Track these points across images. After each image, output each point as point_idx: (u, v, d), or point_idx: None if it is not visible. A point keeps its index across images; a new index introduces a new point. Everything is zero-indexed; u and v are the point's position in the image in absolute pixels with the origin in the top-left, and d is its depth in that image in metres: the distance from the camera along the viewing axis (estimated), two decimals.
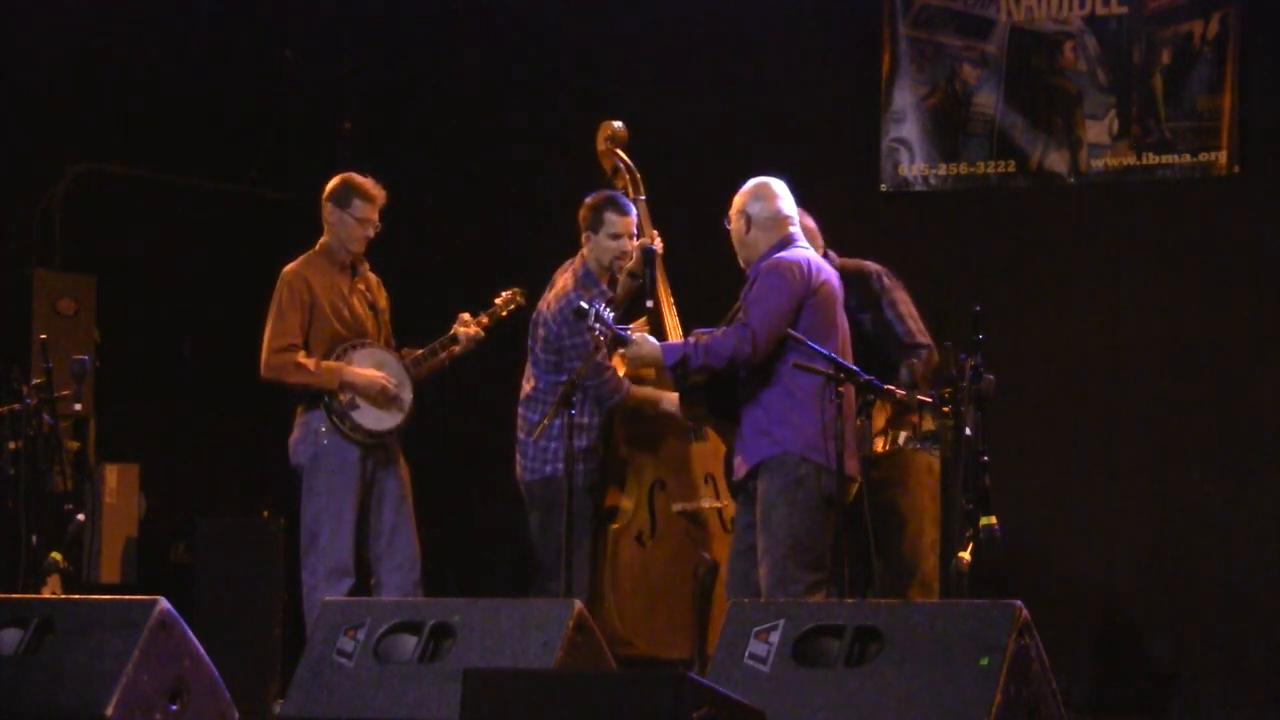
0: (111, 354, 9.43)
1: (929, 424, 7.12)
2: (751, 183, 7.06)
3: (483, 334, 7.86)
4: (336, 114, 10.16)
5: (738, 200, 7.03)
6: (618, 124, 8.01)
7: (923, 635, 5.51)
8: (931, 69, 9.12)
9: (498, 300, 7.95)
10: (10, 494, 7.27)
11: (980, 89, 9.03)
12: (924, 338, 7.42)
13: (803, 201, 7.38)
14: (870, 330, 7.39)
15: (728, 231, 7.05)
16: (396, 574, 7.67)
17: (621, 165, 7.94)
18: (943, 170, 9.11)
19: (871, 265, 7.45)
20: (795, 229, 6.98)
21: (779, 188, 7.02)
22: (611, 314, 6.98)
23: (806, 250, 6.95)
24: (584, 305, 6.95)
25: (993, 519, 6.28)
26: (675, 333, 7.70)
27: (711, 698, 5.05)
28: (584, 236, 7.66)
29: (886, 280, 7.45)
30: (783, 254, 6.87)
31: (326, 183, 7.81)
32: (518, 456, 7.67)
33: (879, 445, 7.28)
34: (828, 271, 6.94)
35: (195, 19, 10.03)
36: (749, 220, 6.96)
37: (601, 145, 8.02)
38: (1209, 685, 8.55)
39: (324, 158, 9.23)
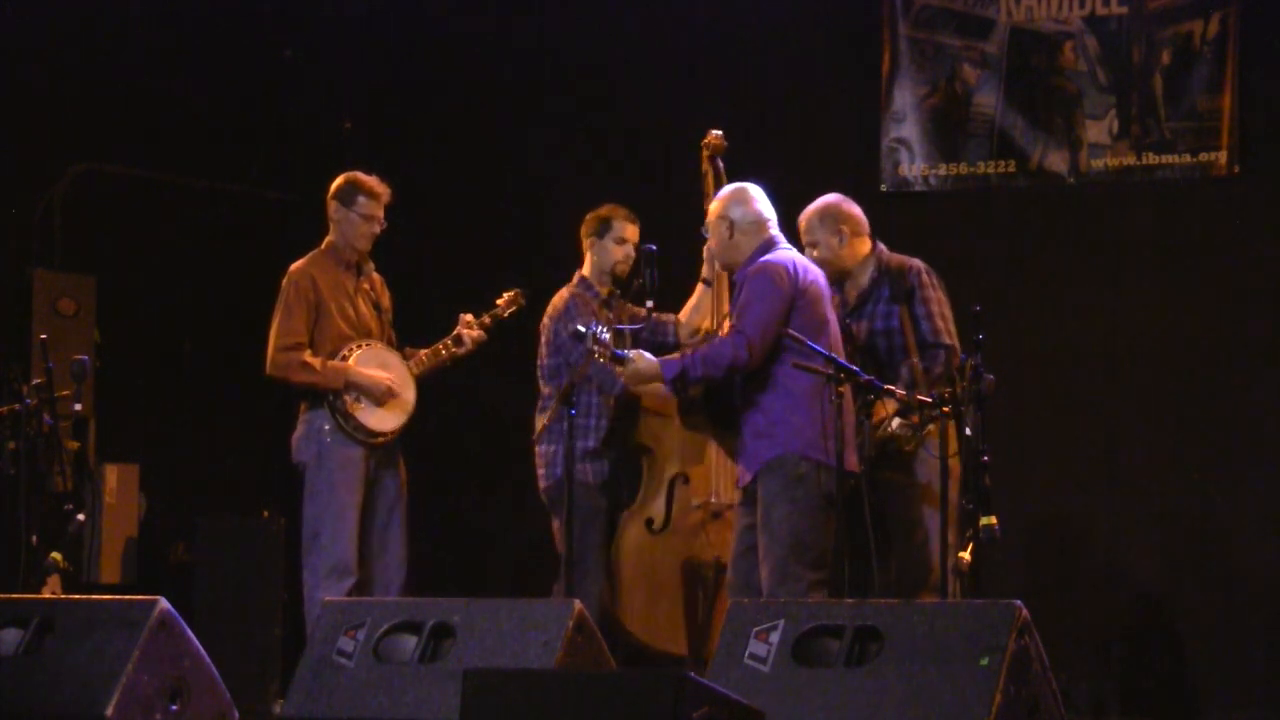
0: (111, 354, 9.43)
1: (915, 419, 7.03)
2: (728, 188, 7.08)
3: (485, 335, 7.87)
4: (336, 114, 10.17)
5: (716, 206, 7.03)
6: (716, 132, 7.93)
7: (923, 635, 5.51)
8: (931, 69, 9.12)
9: (499, 301, 7.95)
10: (10, 494, 7.27)
11: (980, 89, 9.03)
12: (948, 339, 7.34)
13: (803, 201, 7.39)
14: (894, 325, 7.33)
15: (704, 241, 7.05)
16: (384, 573, 7.68)
17: (710, 171, 7.85)
18: (943, 170, 9.10)
19: (916, 261, 7.41)
20: (776, 231, 6.99)
21: (756, 191, 7.02)
22: (608, 334, 6.95)
23: (790, 251, 6.97)
24: (580, 329, 6.93)
25: (993, 519, 6.27)
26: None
27: (711, 698, 5.05)
28: (587, 243, 7.70)
29: (924, 277, 7.40)
30: (768, 257, 6.88)
31: (327, 182, 7.81)
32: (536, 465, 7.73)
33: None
34: (814, 271, 6.95)
35: (195, 19, 10.02)
36: (732, 225, 6.95)
37: (705, 151, 7.90)
38: (1209, 685, 8.55)
39: (324, 157, 9.22)
